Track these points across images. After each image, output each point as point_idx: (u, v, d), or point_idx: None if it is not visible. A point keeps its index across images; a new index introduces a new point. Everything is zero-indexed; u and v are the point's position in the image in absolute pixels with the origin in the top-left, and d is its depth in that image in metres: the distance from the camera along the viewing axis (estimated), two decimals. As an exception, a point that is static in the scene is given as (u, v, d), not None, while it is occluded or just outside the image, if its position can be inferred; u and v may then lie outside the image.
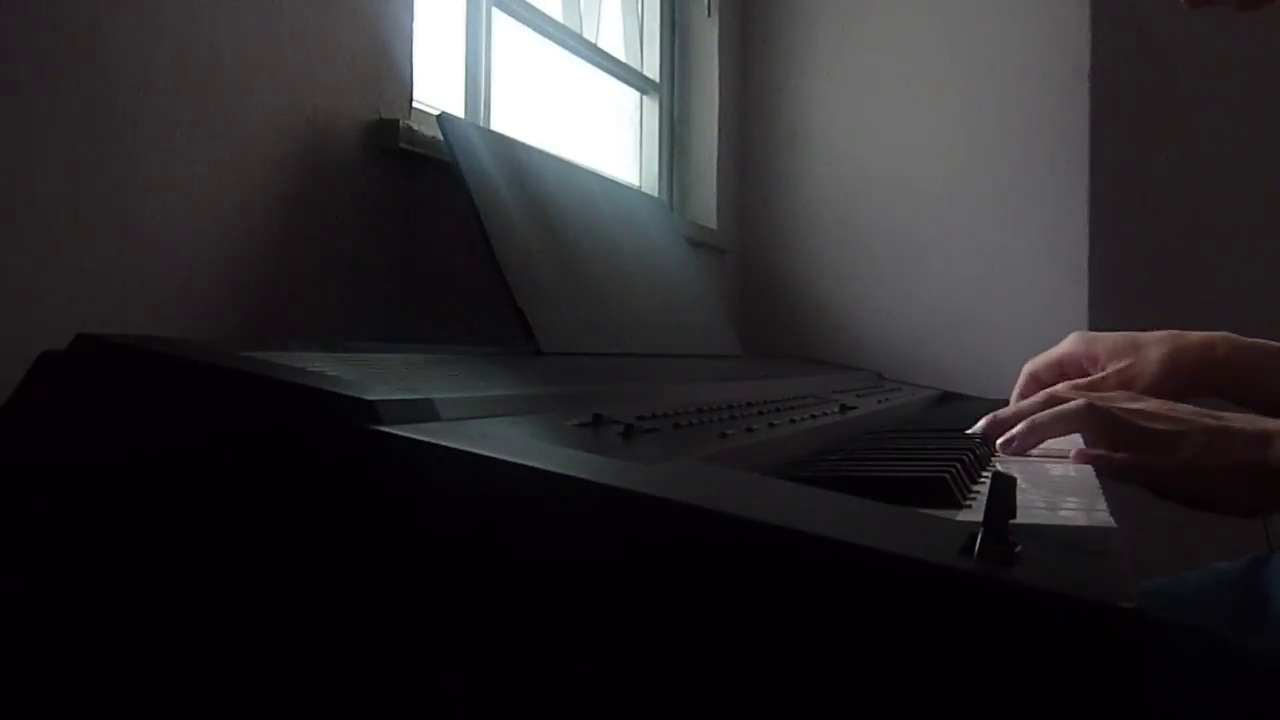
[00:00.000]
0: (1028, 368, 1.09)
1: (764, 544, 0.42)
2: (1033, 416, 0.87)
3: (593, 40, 2.03)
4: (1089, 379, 1.02)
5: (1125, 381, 0.99)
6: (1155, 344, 1.00)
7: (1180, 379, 0.98)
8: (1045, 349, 1.08)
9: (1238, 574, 0.92)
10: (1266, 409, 0.90)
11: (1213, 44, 2.24)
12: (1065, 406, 0.86)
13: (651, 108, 2.29)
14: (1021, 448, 0.87)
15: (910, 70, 2.33)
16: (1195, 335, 1.00)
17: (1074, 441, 0.87)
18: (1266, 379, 0.97)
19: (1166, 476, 0.82)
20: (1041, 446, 0.88)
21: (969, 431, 0.94)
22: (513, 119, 1.69)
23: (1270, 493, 0.81)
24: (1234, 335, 0.99)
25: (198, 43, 0.98)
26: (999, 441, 0.89)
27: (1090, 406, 0.85)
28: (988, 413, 0.95)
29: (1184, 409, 0.87)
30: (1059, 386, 0.98)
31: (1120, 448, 0.83)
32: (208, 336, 0.96)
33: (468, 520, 0.47)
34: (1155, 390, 0.96)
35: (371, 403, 0.50)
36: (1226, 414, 0.85)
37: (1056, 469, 0.81)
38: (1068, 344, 1.06)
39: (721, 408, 0.85)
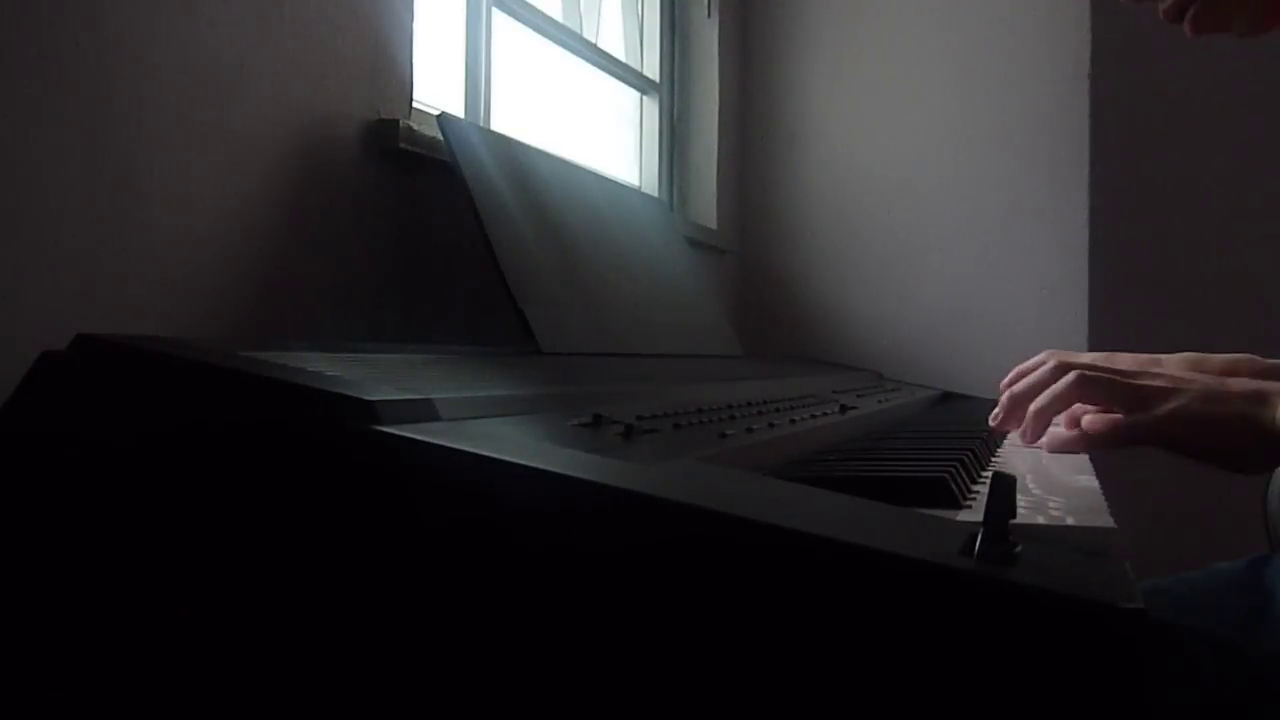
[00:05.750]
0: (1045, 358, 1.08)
1: (764, 544, 0.42)
2: (1032, 403, 0.89)
3: (593, 40, 2.03)
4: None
5: None
6: (1175, 366, 0.99)
7: None
8: (1046, 349, 1.07)
9: (1238, 574, 0.92)
10: None
11: (1213, 44, 2.23)
12: (1057, 384, 0.88)
13: (651, 108, 2.29)
14: (1035, 435, 0.90)
15: (910, 70, 2.33)
16: (1217, 358, 0.98)
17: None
18: None
19: (1167, 425, 0.82)
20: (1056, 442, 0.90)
21: (991, 416, 0.96)
22: (513, 119, 1.69)
23: (1267, 449, 0.81)
24: (1257, 357, 0.97)
25: (198, 43, 0.98)
26: (1019, 435, 0.92)
27: (1080, 375, 0.87)
28: (988, 413, 0.95)
29: (1180, 371, 0.88)
30: (1041, 355, 0.98)
31: (1120, 408, 0.85)
32: (208, 336, 0.96)
33: (468, 520, 0.47)
34: None
35: (371, 403, 0.50)
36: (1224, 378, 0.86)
37: (1057, 468, 0.82)
38: (1088, 360, 1.05)
39: (721, 408, 0.85)
